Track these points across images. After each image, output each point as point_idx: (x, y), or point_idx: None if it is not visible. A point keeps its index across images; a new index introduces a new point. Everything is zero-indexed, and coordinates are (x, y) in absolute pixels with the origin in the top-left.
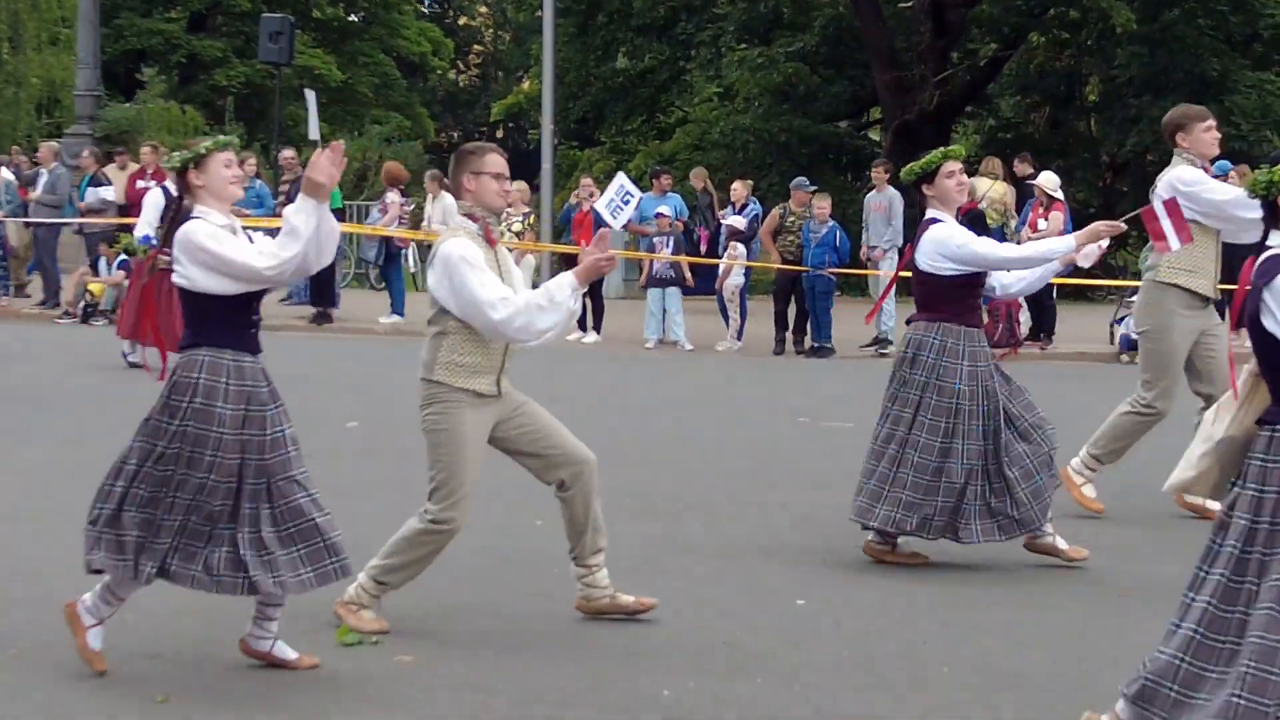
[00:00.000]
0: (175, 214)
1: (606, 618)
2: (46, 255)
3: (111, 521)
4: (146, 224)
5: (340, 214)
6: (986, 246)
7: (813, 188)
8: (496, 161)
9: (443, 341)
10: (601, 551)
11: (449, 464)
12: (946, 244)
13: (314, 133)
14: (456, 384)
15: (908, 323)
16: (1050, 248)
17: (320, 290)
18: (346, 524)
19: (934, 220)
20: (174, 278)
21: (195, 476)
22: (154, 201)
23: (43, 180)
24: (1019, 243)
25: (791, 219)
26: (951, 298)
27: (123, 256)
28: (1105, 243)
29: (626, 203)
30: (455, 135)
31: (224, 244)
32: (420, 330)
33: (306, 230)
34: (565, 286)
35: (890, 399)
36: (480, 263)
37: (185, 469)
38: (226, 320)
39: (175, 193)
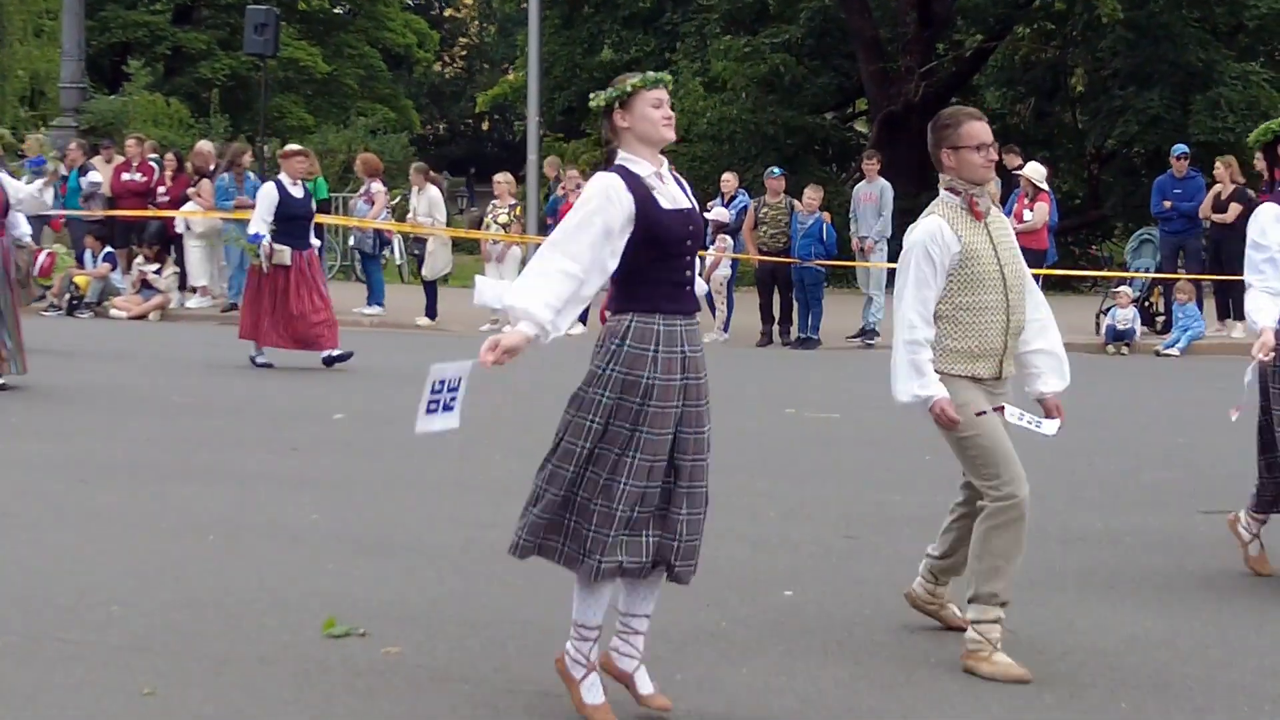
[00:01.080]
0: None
1: (605, 612)
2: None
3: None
4: (260, 219)
5: (326, 206)
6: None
7: (779, 172)
8: (977, 132)
9: (936, 325)
10: (954, 577)
11: (973, 442)
12: (1256, 229)
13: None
14: (954, 371)
15: None
16: None
17: None
18: (335, 517)
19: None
20: None
21: (627, 455)
22: (268, 195)
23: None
24: None
25: (765, 210)
26: None
27: (108, 249)
28: None
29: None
30: (441, 127)
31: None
32: (403, 322)
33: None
34: (936, 395)
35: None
36: (935, 261)
37: (619, 447)
38: (652, 280)
39: (286, 188)
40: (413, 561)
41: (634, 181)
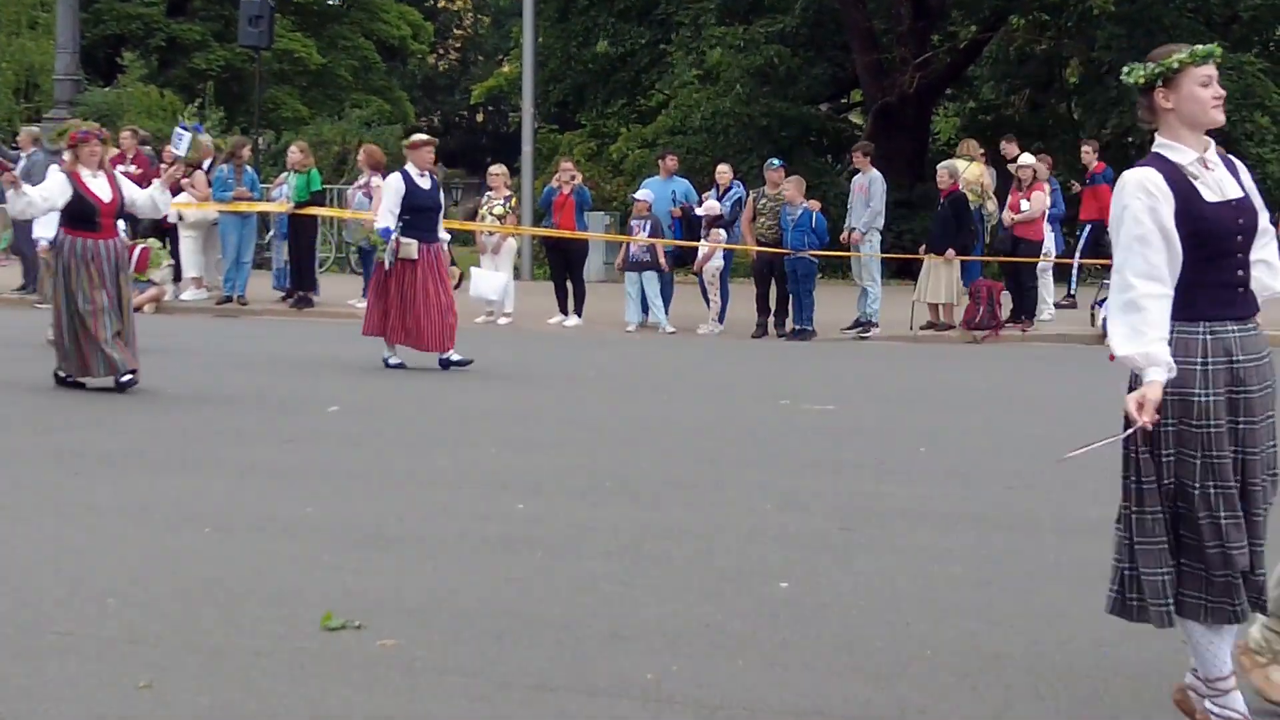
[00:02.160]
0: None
1: (600, 605)
2: (24, 240)
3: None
4: (388, 211)
5: (320, 197)
6: None
7: (779, 164)
8: None
9: None
10: None
11: None
12: None
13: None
14: None
15: None
16: None
17: (300, 274)
18: (330, 509)
19: None
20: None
21: (1188, 485)
22: (394, 186)
23: (21, 166)
24: (1000, 225)
25: (764, 201)
26: None
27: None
28: None
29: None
30: (435, 119)
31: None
32: None
33: None
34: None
35: None
36: None
37: (1196, 480)
38: (1196, 284)
39: (414, 178)
40: (408, 554)
41: (1173, 173)
